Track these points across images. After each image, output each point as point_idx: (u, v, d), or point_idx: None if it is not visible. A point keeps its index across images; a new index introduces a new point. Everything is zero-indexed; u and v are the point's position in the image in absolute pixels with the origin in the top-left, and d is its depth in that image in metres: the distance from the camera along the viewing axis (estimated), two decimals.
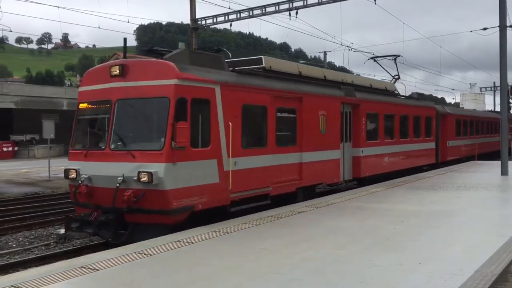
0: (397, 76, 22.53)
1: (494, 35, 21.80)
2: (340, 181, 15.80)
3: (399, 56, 22.10)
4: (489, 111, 47.28)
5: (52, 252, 10.31)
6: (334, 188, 16.98)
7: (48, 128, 23.64)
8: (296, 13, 23.32)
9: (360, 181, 17.48)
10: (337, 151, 15.16)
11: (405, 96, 22.68)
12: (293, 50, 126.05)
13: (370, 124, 17.62)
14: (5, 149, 39.93)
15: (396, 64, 22.43)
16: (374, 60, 22.22)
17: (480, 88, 71.97)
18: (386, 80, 23.79)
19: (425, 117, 22.90)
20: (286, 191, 12.62)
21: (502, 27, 19.80)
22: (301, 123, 13.26)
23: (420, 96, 23.82)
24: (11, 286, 5.80)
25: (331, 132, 14.69)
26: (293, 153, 12.92)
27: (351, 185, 17.65)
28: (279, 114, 12.42)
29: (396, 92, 21.72)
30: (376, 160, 17.79)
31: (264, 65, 13.07)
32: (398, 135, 19.76)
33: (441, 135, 25.62)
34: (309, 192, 13.76)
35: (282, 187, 12.36)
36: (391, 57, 22.00)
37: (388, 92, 20.56)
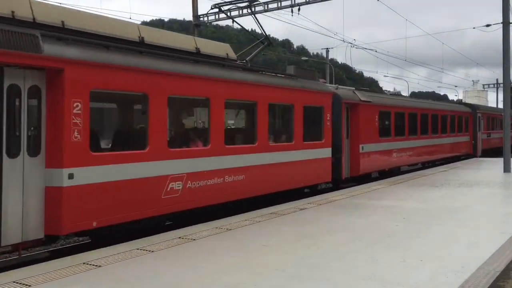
0: (266, 42, 14.16)
1: (497, 32, 21.77)
2: None
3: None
4: (456, 102, 36.26)
5: (53, 249, 10.32)
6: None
7: None
8: (299, 9, 23.29)
9: (54, 238, 8.38)
10: None
11: (271, 73, 13.14)
12: (295, 47, 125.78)
13: (110, 115, 10.20)
14: None
15: (254, 16, 14.31)
16: (220, 10, 14.72)
17: (483, 85, 71.99)
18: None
19: (305, 106, 13.74)
20: None
21: (505, 24, 19.75)
22: None
23: (304, 74, 14.52)
24: (13, 282, 5.81)
25: None
26: None
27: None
28: None
29: (235, 61, 12.43)
30: (128, 193, 8.51)
31: None
32: (219, 137, 10.62)
33: (351, 137, 17.03)
34: None
35: None
36: (242, 3, 14.53)
37: (207, 58, 11.16)
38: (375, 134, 18.47)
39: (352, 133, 17.10)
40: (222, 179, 10.65)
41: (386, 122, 19.77)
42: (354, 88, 19.10)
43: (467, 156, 29.87)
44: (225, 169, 10.74)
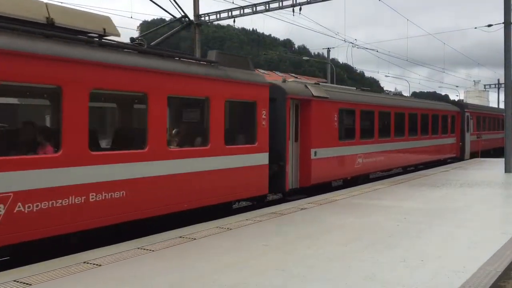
0: (186, 21, 12.19)
1: (499, 32, 21.76)
2: None
3: None
4: (442, 100, 32.69)
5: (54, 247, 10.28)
6: None
7: None
8: (300, 9, 23.30)
9: None
10: None
11: (180, 57, 10.20)
12: (296, 46, 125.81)
13: None
14: None
15: None
16: None
17: (484, 85, 72.01)
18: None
19: (229, 101, 11.04)
20: None
21: (507, 24, 19.72)
22: None
23: (232, 62, 11.62)
24: (14, 281, 5.81)
25: None
26: None
27: None
28: None
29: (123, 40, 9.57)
30: None
31: None
32: (80, 141, 7.79)
33: (300, 140, 14.15)
34: None
35: None
36: None
37: (67, 32, 8.20)
38: (333, 136, 15.39)
39: (302, 136, 14.11)
40: (83, 197, 7.74)
41: (349, 122, 16.62)
42: (314, 82, 16.59)
43: (453, 159, 27.21)
44: (90, 183, 7.84)
